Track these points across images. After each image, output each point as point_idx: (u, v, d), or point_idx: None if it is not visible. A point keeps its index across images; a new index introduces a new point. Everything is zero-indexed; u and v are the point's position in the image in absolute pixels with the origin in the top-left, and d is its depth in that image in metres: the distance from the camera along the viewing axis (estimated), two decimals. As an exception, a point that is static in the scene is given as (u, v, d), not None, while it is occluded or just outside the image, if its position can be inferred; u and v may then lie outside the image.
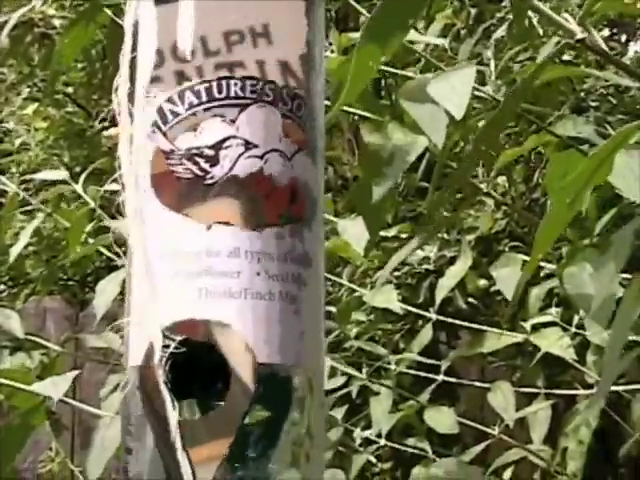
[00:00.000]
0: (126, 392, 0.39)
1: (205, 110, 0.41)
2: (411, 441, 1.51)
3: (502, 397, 1.36)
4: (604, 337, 1.23)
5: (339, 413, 1.53)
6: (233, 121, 0.41)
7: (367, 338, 1.68)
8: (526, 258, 1.18)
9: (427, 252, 1.71)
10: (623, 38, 2.02)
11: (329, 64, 0.92)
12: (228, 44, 0.41)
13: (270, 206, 0.41)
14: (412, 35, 1.08)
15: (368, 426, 1.52)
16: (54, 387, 0.99)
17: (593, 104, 1.72)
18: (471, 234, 1.72)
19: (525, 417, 1.43)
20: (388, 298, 1.39)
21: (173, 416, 0.38)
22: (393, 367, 1.50)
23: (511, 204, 1.62)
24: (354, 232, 1.12)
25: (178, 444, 0.37)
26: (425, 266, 1.76)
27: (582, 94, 1.70)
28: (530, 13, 1.28)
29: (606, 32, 1.97)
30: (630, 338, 1.17)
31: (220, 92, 0.41)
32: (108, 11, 1.03)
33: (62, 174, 1.42)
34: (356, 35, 0.96)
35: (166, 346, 0.39)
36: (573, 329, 1.37)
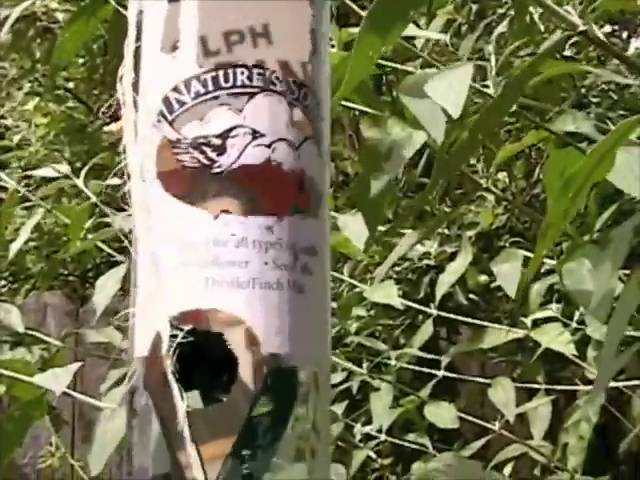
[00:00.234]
0: (132, 383, 0.39)
1: (212, 99, 0.41)
2: (411, 436, 1.51)
3: (503, 393, 1.36)
4: (604, 333, 1.23)
5: (339, 408, 1.53)
6: (240, 110, 0.41)
7: (367, 333, 1.67)
8: (527, 254, 1.18)
9: (428, 247, 1.71)
10: (624, 35, 2.02)
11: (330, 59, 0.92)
12: (228, 44, 0.41)
13: (278, 195, 0.41)
14: (413, 30, 1.08)
15: (368, 421, 1.52)
16: (56, 380, 0.98)
17: (594, 100, 1.71)
18: (472, 230, 1.72)
19: (525, 413, 1.43)
20: (388, 293, 1.39)
21: (181, 407, 0.37)
22: (393, 362, 1.50)
23: (512, 200, 1.62)
24: (355, 228, 1.12)
25: (186, 434, 0.37)
26: (426, 261, 1.76)
27: (583, 90, 1.70)
28: (531, 9, 1.28)
29: (607, 29, 1.97)
30: (630, 333, 1.17)
31: (227, 81, 0.41)
32: (112, 2, 1.03)
33: (63, 168, 1.42)
34: (357, 30, 0.96)
35: (173, 336, 0.38)
36: (574, 325, 1.37)
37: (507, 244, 1.68)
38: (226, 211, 0.40)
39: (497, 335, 1.39)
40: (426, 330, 1.47)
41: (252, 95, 0.41)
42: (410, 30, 1.04)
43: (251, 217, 0.40)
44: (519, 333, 1.37)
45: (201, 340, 0.39)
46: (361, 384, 1.53)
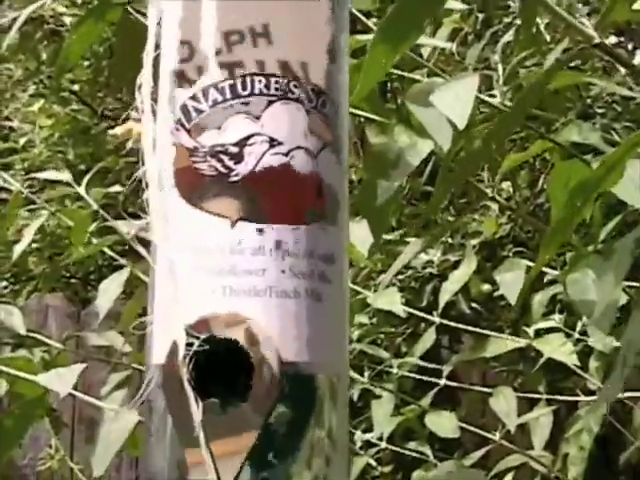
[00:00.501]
0: (149, 390, 0.39)
1: (229, 107, 0.41)
2: (412, 445, 1.51)
3: (504, 402, 1.36)
4: (607, 343, 1.23)
5: (340, 415, 1.52)
6: (258, 118, 0.41)
7: (369, 341, 1.67)
8: (530, 263, 1.18)
9: (431, 256, 1.71)
10: (630, 46, 2.02)
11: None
12: (228, 44, 0.41)
13: (295, 203, 0.41)
14: (420, 39, 1.08)
15: (369, 429, 1.52)
16: (60, 380, 0.98)
17: (599, 111, 1.72)
18: (475, 239, 1.71)
19: (526, 422, 1.43)
20: (391, 300, 1.39)
21: (197, 414, 0.37)
22: (395, 370, 1.50)
23: (515, 209, 1.62)
24: (359, 234, 1.12)
25: (202, 442, 0.37)
26: (429, 270, 1.76)
27: (588, 101, 1.70)
28: (537, 19, 1.28)
29: (612, 39, 1.97)
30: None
31: (244, 89, 0.41)
32: (122, 5, 1.03)
33: (65, 176, 1.42)
34: (364, 37, 0.96)
35: (190, 344, 0.38)
36: (576, 335, 1.37)
37: (510, 253, 1.68)
38: (243, 219, 0.40)
39: (500, 344, 1.39)
40: (428, 338, 1.47)
41: (270, 103, 0.41)
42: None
43: (268, 225, 0.40)
44: (521, 342, 1.37)
45: (219, 347, 0.39)
46: (362, 391, 1.53)
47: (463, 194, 1.75)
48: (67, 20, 1.63)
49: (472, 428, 1.46)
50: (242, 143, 0.41)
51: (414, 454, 1.48)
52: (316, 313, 0.40)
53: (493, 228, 1.71)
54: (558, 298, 1.40)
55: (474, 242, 1.68)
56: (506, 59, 1.45)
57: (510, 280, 1.19)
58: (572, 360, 1.32)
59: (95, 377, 1.48)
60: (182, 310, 0.39)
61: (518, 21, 1.56)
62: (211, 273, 0.39)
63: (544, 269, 1.29)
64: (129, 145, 1.06)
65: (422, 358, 1.49)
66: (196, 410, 0.37)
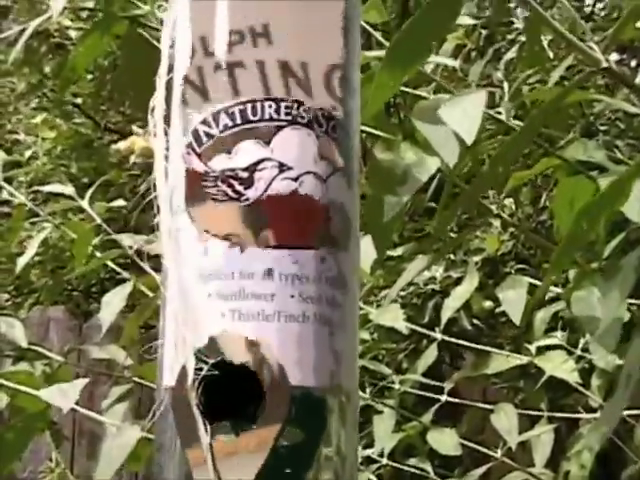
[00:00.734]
0: (159, 412, 0.39)
1: (239, 132, 0.41)
2: (413, 461, 1.51)
3: (506, 419, 1.36)
4: (609, 361, 1.23)
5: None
6: (267, 143, 0.41)
7: (371, 357, 1.67)
8: (532, 281, 1.18)
9: (433, 272, 1.71)
10: (633, 63, 2.02)
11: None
12: (228, 44, 0.42)
13: (305, 228, 0.41)
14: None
15: (370, 445, 1.51)
16: (63, 396, 0.98)
17: (602, 128, 1.72)
18: (477, 255, 1.72)
19: (527, 440, 1.42)
20: (394, 317, 1.39)
21: (205, 438, 0.38)
22: (397, 386, 1.50)
23: (518, 226, 1.62)
24: (361, 250, 1.12)
25: (210, 466, 0.37)
26: (431, 286, 1.76)
27: (591, 118, 1.71)
28: (542, 37, 1.29)
29: (615, 56, 1.97)
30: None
31: (255, 114, 0.41)
32: (128, 19, 1.03)
33: (68, 189, 1.42)
34: (370, 53, 0.96)
35: (199, 369, 0.39)
36: (578, 353, 1.37)
37: (513, 270, 1.68)
38: (253, 244, 0.40)
39: (501, 361, 1.39)
40: (430, 354, 1.47)
41: (280, 128, 0.41)
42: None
43: (278, 250, 0.40)
44: (523, 360, 1.37)
45: (227, 372, 0.39)
46: (364, 407, 1.52)
47: (465, 211, 1.75)
48: (72, 34, 1.63)
49: (473, 445, 1.45)
50: (252, 168, 0.41)
51: (415, 470, 1.48)
52: (325, 337, 0.40)
53: (495, 245, 1.72)
54: (560, 315, 1.40)
55: (476, 259, 1.68)
56: (509, 75, 1.46)
57: (512, 297, 1.19)
58: (574, 378, 1.32)
59: (96, 390, 1.48)
60: (191, 334, 0.39)
61: (521, 38, 1.56)
62: (221, 297, 0.40)
63: (546, 286, 1.29)
64: (132, 159, 1.06)
65: (423, 374, 1.49)
66: (204, 434, 0.38)
